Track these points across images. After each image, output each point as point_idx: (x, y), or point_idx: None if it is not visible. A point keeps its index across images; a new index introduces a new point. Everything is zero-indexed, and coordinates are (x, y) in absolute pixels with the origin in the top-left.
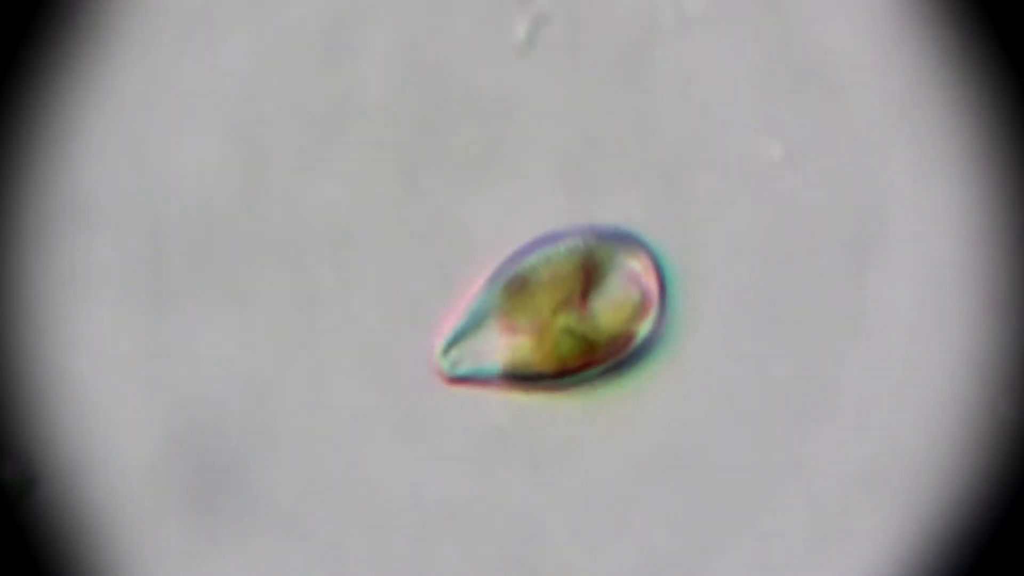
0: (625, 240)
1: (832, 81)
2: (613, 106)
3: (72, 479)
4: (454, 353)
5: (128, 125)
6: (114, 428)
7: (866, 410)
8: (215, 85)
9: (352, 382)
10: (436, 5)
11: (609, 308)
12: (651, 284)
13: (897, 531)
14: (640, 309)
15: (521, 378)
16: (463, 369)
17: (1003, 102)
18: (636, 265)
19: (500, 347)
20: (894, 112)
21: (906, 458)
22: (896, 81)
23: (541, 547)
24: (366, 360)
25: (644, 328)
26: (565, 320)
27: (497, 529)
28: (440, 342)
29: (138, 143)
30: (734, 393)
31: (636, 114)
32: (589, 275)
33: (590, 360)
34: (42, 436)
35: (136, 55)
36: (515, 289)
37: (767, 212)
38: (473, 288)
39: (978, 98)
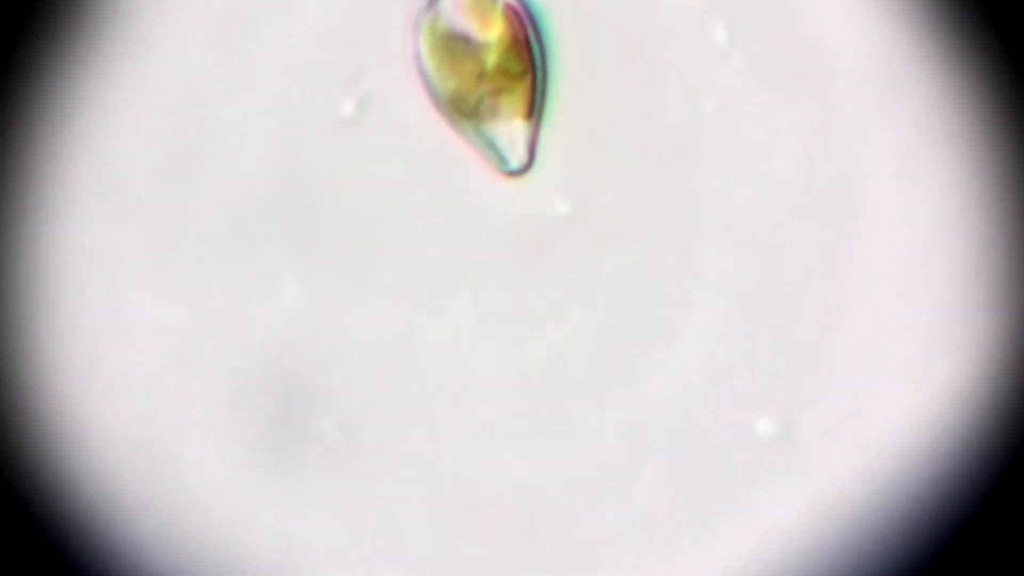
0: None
1: (820, 63)
2: (609, 96)
3: (114, 459)
4: (508, 153)
5: (154, 105)
6: (153, 407)
7: (856, 389)
8: (244, 68)
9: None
10: None
11: (476, 15)
12: None
13: (888, 509)
14: None
15: (536, 109)
16: (520, 154)
17: (989, 83)
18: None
19: (508, 117)
20: (879, 92)
21: (898, 435)
22: (882, 63)
23: (541, 516)
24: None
25: None
26: (487, 59)
27: (498, 502)
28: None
29: (167, 124)
30: (723, 374)
31: (631, 103)
32: (456, 36)
33: (521, 38)
34: (84, 420)
35: (166, 37)
36: (457, 105)
37: (754, 194)
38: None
39: (964, 78)
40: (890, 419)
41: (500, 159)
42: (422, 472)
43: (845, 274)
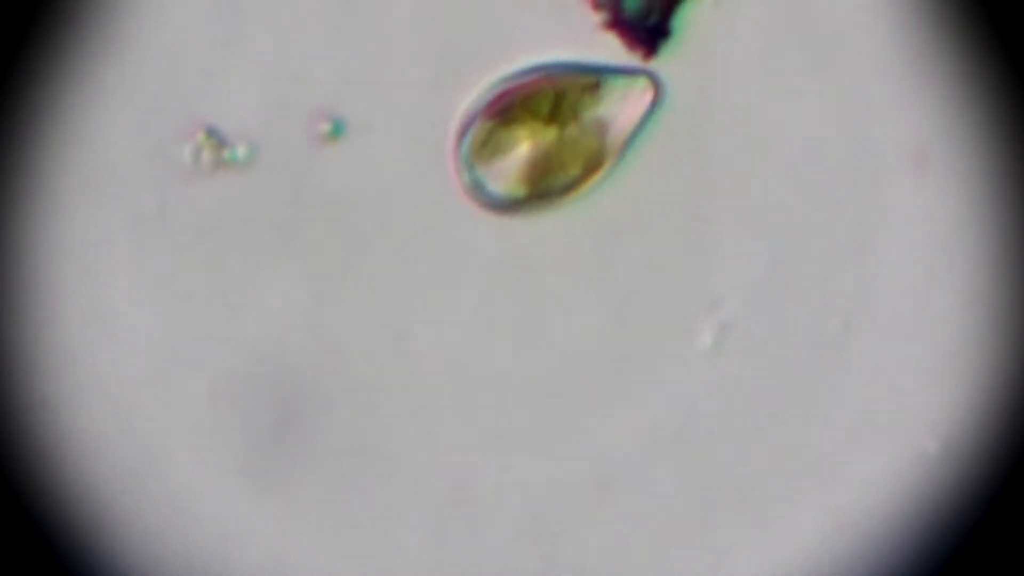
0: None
1: (839, 57)
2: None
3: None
4: None
5: (137, 89)
6: (138, 409)
7: (872, 399)
8: (234, 52)
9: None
10: None
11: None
12: None
13: (905, 516)
14: None
15: None
16: None
17: (1004, 87)
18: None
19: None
20: (903, 81)
21: (914, 439)
22: (903, 60)
23: (547, 524)
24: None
25: None
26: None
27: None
28: None
29: (150, 109)
30: (736, 375)
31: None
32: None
33: None
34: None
35: (153, 16)
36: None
37: (771, 185)
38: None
39: (980, 81)
40: (908, 422)
41: None
42: (422, 479)
43: (863, 272)
